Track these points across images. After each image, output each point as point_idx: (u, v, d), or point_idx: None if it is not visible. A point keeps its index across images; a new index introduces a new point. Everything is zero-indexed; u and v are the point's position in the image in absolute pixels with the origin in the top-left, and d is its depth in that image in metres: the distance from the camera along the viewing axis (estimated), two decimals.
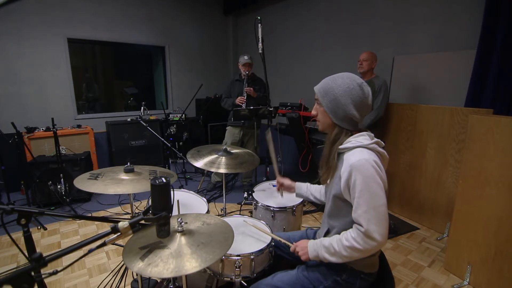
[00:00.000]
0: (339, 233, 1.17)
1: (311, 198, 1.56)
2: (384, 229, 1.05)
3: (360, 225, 1.06)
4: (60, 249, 1.00)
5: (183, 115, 4.45)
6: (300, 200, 1.92)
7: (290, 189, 1.63)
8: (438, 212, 2.81)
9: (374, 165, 1.07)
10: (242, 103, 3.27)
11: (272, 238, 1.46)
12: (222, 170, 1.85)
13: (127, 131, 4.29)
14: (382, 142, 1.18)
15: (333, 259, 1.14)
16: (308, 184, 1.60)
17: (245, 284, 1.42)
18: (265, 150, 3.10)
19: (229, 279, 1.36)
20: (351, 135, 1.17)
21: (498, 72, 2.39)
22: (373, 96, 2.80)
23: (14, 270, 0.80)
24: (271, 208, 1.83)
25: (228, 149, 2.06)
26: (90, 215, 2.84)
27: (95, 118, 4.49)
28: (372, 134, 1.19)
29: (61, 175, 3.21)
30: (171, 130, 4.37)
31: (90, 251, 0.86)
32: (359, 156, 1.09)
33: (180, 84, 5.31)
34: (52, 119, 3.16)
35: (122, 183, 1.51)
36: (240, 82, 3.50)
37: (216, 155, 1.99)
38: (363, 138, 1.15)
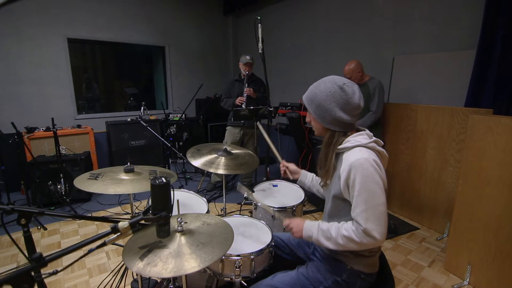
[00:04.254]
0: None
1: (313, 190, 1.55)
2: (382, 228, 1.05)
3: (359, 223, 1.06)
4: (60, 249, 1.00)
5: (183, 115, 4.45)
6: (300, 200, 1.92)
7: (295, 174, 1.61)
8: (438, 212, 2.81)
9: (374, 164, 1.07)
10: (241, 103, 3.27)
11: (273, 237, 1.46)
12: (221, 171, 1.84)
13: (127, 131, 4.29)
14: (381, 141, 1.19)
15: (327, 243, 1.13)
16: (314, 175, 1.58)
17: (245, 284, 1.42)
18: (265, 149, 3.11)
19: (229, 279, 1.36)
20: (347, 135, 1.18)
21: (498, 72, 2.39)
22: (369, 98, 2.81)
23: (14, 270, 0.80)
24: (271, 208, 1.83)
25: (228, 149, 2.06)
26: (90, 215, 2.84)
27: (95, 118, 4.49)
28: (371, 133, 1.19)
29: (61, 175, 3.21)
30: (171, 130, 4.37)
31: (90, 251, 0.86)
32: (359, 155, 1.09)
33: (180, 84, 5.31)
34: (52, 119, 3.16)
35: (122, 183, 1.51)
36: (239, 82, 3.50)
37: (216, 155, 1.98)
38: (362, 137, 1.15)
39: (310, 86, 1.22)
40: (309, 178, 1.58)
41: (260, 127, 2.09)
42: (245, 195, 1.60)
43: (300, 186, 1.73)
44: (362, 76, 2.88)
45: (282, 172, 1.64)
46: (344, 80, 1.16)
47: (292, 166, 1.62)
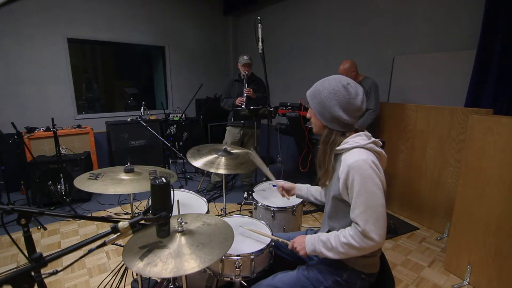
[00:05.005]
0: None
1: (311, 199, 1.57)
2: (381, 230, 1.05)
3: (358, 224, 1.06)
4: (60, 249, 1.00)
5: (183, 115, 4.45)
6: (300, 200, 1.93)
7: (290, 191, 1.63)
8: (438, 212, 2.81)
9: (372, 165, 1.07)
10: (241, 104, 3.27)
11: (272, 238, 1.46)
12: (222, 171, 1.84)
13: (127, 131, 4.28)
14: (379, 142, 1.19)
15: (329, 254, 1.14)
16: (308, 185, 1.61)
17: (245, 284, 1.42)
18: (265, 149, 3.11)
19: (229, 279, 1.36)
20: (345, 136, 1.18)
21: (498, 72, 2.39)
22: (366, 97, 2.82)
23: (14, 270, 0.80)
24: (271, 208, 1.83)
25: (228, 149, 2.06)
26: (90, 215, 2.84)
27: (95, 118, 4.49)
28: (370, 134, 1.19)
29: (61, 175, 3.21)
30: (171, 130, 4.37)
31: (90, 251, 0.86)
32: (357, 156, 1.09)
33: (180, 84, 5.31)
34: (52, 119, 3.16)
35: (122, 183, 1.51)
36: (239, 82, 3.50)
37: (216, 155, 1.98)
38: (360, 138, 1.15)
39: (316, 83, 1.22)
40: (304, 189, 1.59)
41: (253, 156, 1.75)
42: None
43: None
44: (357, 76, 2.91)
45: (280, 194, 1.64)
46: (349, 81, 1.16)
47: (286, 185, 1.63)
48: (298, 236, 1.30)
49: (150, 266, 0.95)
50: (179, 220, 1.11)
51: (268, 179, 1.78)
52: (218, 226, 1.22)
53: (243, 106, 3.23)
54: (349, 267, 1.20)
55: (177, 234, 1.10)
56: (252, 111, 2.90)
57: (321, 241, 1.17)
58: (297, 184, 1.63)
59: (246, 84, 3.37)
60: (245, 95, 3.29)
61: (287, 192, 1.63)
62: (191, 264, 0.96)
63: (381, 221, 1.05)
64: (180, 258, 0.98)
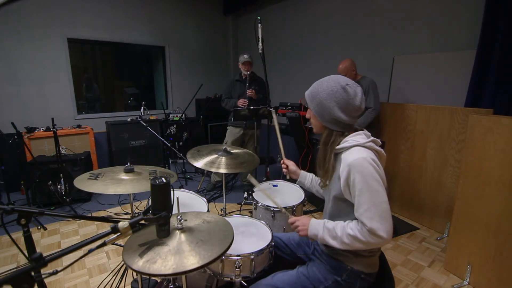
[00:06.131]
0: None
1: (313, 191, 1.55)
2: (388, 226, 1.04)
3: (364, 223, 1.06)
4: (60, 249, 1.00)
5: (183, 115, 4.45)
6: (300, 199, 1.93)
7: (294, 174, 1.61)
8: (438, 212, 2.81)
9: (372, 162, 1.07)
10: (243, 106, 3.26)
11: (272, 238, 1.46)
12: (222, 170, 1.85)
13: (127, 131, 4.29)
14: (378, 141, 1.19)
15: (333, 242, 1.13)
16: (313, 176, 1.58)
17: (245, 284, 1.42)
18: (265, 149, 3.11)
19: (229, 279, 1.36)
20: (345, 135, 1.18)
21: (498, 72, 2.39)
22: (365, 96, 2.83)
23: (14, 270, 0.80)
24: (271, 208, 1.83)
25: (228, 149, 2.06)
26: (90, 215, 2.84)
27: (95, 118, 4.49)
28: (369, 133, 1.19)
29: (61, 175, 3.21)
30: (171, 130, 4.37)
31: (90, 251, 0.86)
32: (357, 154, 1.09)
33: (180, 84, 5.31)
34: (52, 119, 3.16)
35: (122, 183, 1.51)
36: (240, 83, 3.49)
37: (216, 155, 1.99)
38: (360, 137, 1.15)
39: (314, 83, 1.22)
40: (308, 179, 1.58)
41: (275, 117, 1.97)
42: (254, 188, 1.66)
43: (300, 186, 1.74)
44: (356, 75, 2.91)
45: (284, 170, 1.64)
46: (348, 81, 1.15)
47: (292, 166, 1.62)
48: (302, 216, 1.28)
49: (149, 263, 0.94)
50: (178, 217, 1.11)
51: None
52: (217, 223, 1.22)
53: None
54: (349, 267, 1.20)
55: (177, 231, 1.10)
56: (252, 111, 2.91)
57: (326, 227, 1.16)
58: (302, 171, 1.61)
59: (248, 85, 3.36)
60: (247, 96, 3.29)
61: (291, 174, 1.61)
62: (191, 261, 0.96)
63: (386, 218, 1.05)
64: (179, 255, 0.98)
